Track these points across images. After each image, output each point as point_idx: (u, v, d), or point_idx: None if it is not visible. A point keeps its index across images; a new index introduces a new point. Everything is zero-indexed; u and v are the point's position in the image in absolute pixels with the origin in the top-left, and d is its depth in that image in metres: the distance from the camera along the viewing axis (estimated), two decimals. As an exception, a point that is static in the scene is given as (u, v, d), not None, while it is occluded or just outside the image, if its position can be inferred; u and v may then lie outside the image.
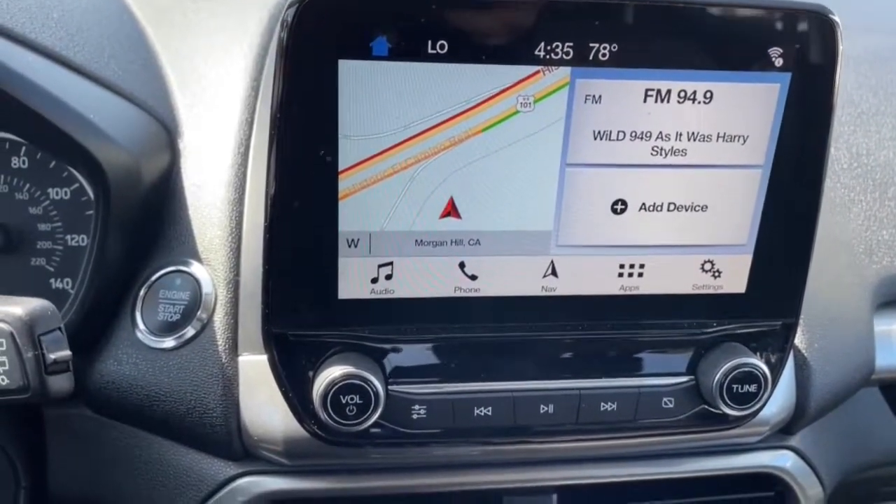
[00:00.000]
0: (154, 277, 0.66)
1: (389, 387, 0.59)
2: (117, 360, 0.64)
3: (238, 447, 0.64)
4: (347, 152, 0.53)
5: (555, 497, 0.69)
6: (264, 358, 0.59)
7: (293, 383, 0.59)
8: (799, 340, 0.70)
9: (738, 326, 0.63)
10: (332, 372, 0.56)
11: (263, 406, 0.62)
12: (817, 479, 0.73)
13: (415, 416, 0.60)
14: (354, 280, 0.57)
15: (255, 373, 0.63)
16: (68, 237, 0.69)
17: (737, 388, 0.61)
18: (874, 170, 0.83)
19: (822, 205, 0.59)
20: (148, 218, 0.67)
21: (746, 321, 0.63)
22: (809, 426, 0.73)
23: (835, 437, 0.76)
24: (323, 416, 0.57)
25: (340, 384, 0.56)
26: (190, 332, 0.64)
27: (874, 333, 0.76)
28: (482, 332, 0.60)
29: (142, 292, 0.66)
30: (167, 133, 0.71)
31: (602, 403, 0.62)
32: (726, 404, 0.61)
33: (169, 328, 0.65)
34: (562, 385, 0.61)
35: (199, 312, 0.64)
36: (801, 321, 0.64)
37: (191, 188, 0.69)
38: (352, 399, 0.56)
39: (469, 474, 0.66)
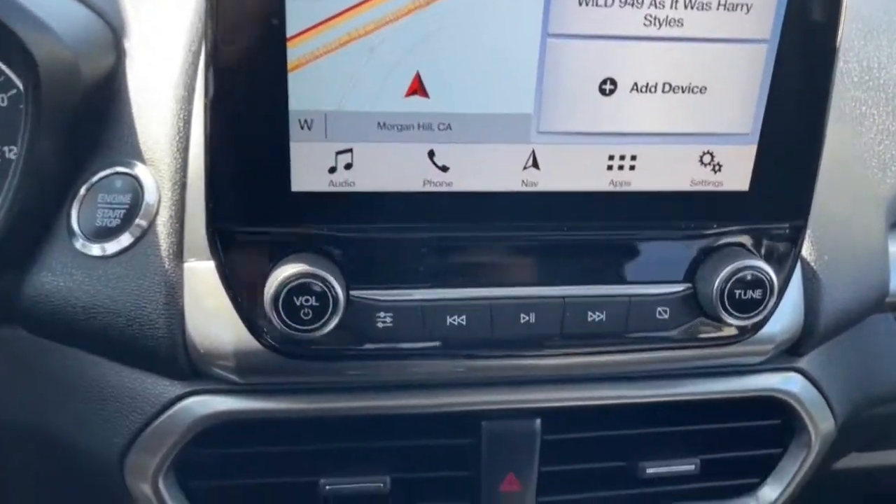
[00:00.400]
0: (93, 180, 0.60)
1: (351, 291, 0.53)
2: (51, 271, 0.58)
3: (184, 363, 0.58)
4: (297, 15, 0.47)
5: (538, 421, 0.62)
6: (212, 264, 0.53)
7: (242, 288, 0.52)
8: (807, 252, 0.64)
9: (741, 229, 0.56)
10: (286, 270, 0.50)
11: (211, 316, 0.56)
12: (828, 408, 0.67)
13: (380, 325, 0.54)
14: (309, 169, 0.51)
15: (201, 280, 0.56)
16: (6, 149, 0.63)
17: (739, 293, 0.54)
18: (886, 84, 0.77)
19: (832, 115, 0.53)
20: (87, 120, 0.61)
21: (750, 223, 0.56)
22: (819, 350, 0.67)
23: (846, 363, 0.70)
24: (275, 320, 0.50)
25: (294, 284, 0.50)
26: (130, 237, 0.58)
27: (889, 254, 0.70)
28: (456, 231, 0.54)
29: (80, 193, 0.59)
30: (112, 32, 0.66)
31: (589, 313, 0.55)
32: (728, 313, 0.55)
33: (107, 234, 0.58)
34: (545, 292, 0.55)
35: (139, 216, 0.58)
36: (809, 229, 0.58)
37: (136, 88, 0.63)
38: (307, 301, 0.50)
39: (443, 395, 0.60)
